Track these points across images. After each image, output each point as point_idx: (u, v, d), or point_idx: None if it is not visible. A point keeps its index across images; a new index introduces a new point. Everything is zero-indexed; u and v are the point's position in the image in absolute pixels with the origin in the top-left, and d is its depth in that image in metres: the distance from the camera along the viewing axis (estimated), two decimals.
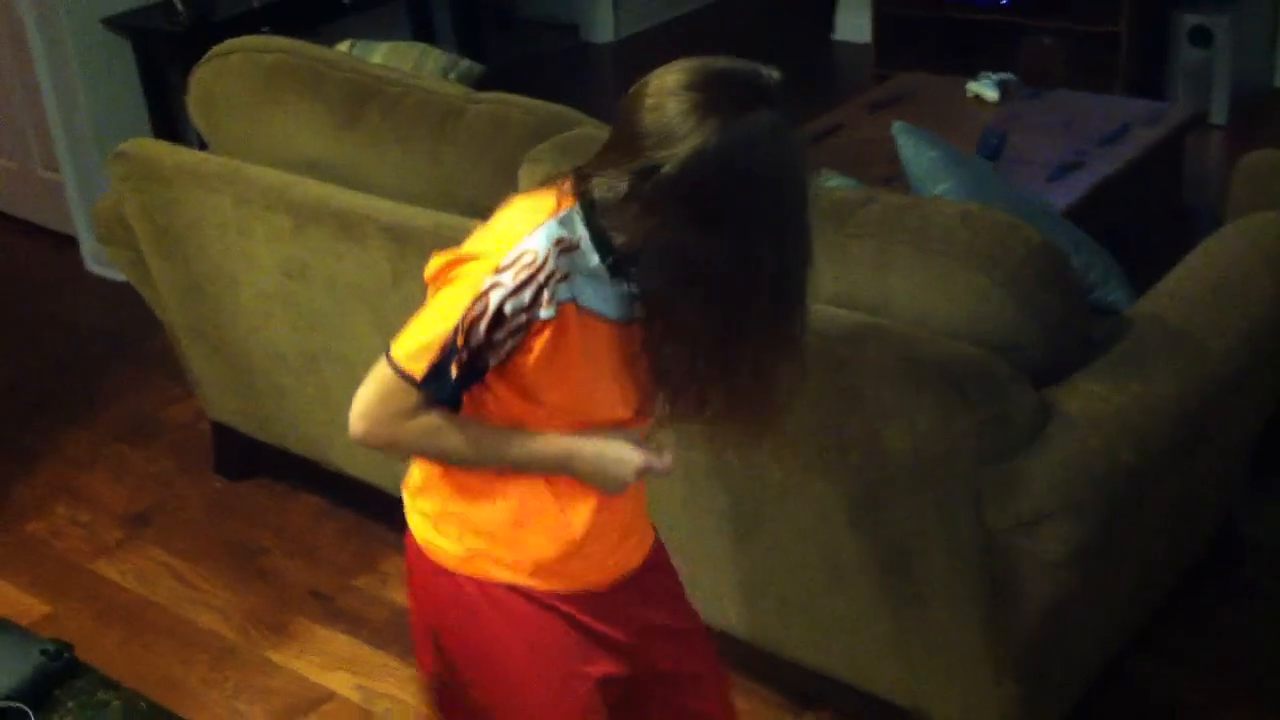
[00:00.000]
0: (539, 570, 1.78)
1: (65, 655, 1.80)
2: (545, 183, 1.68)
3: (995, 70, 4.19)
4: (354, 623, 2.92)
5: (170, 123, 4.27)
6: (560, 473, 1.74)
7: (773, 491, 2.27)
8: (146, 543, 3.23)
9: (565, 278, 1.60)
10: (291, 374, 2.99)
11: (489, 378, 1.67)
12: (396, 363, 1.64)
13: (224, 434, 3.37)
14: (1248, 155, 2.91)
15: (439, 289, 1.65)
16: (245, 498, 3.36)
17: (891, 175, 3.36)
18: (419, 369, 1.63)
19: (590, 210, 1.60)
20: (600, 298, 1.63)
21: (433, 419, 1.66)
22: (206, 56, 3.02)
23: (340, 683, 2.77)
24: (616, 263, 1.61)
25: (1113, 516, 2.05)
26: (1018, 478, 2.01)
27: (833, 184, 2.77)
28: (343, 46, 3.34)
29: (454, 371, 1.62)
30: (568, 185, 1.63)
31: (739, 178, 1.53)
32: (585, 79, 5.90)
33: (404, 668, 2.79)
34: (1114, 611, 2.41)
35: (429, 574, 1.81)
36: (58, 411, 3.78)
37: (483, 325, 1.59)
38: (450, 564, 1.78)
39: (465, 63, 3.47)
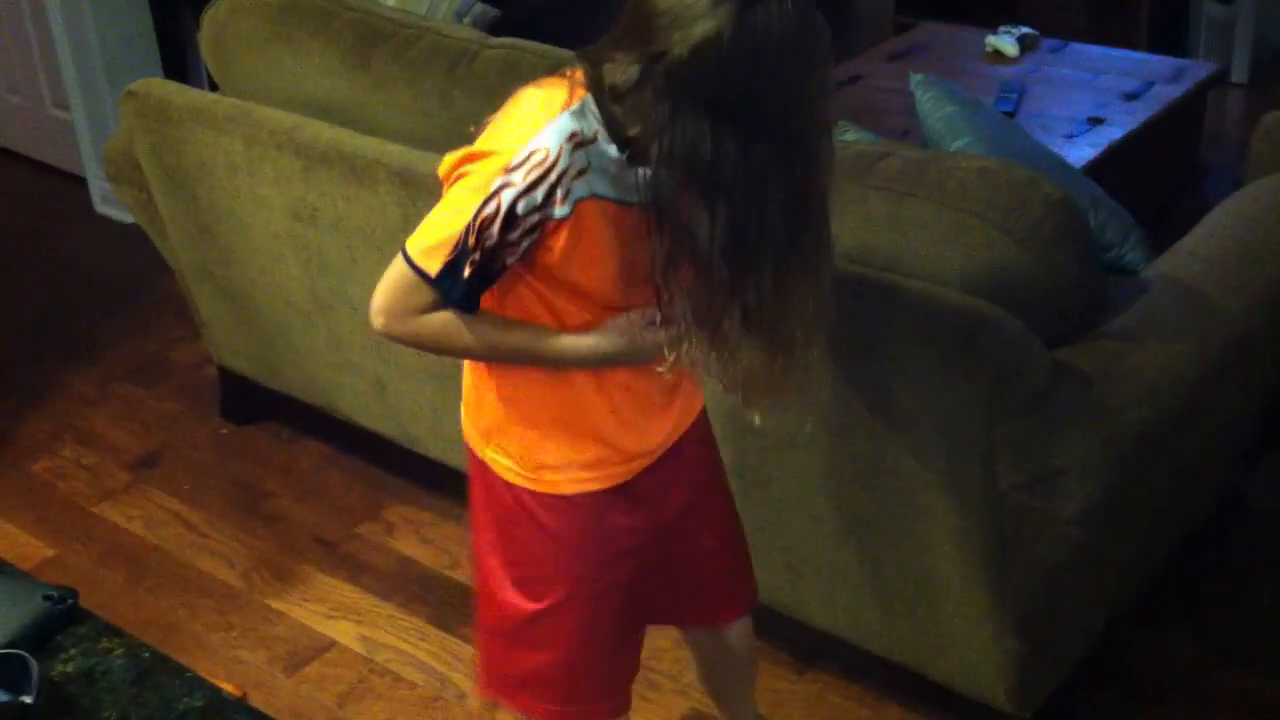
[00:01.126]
0: (590, 464, 1.78)
1: (69, 601, 1.78)
2: (555, 70, 1.63)
3: (1016, 22, 4.14)
4: (357, 571, 2.92)
5: (181, 62, 4.23)
6: (591, 357, 1.70)
7: (781, 444, 2.25)
8: (152, 486, 3.22)
9: (582, 173, 1.56)
10: (300, 318, 2.97)
11: (519, 275, 1.64)
12: (411, 258, 1.63)
13: (231, 378, 3.36)
14: (1268, 115, 2.87)
15: (451, 185, 1.63)
16: (252, 442, 3.35)
17: (909, 128, 3.33)
18: (433, 266, 1.62)
19: (602, 98, 1.55)
20: (620, 186, 1.58)
21: (450, 316, 1.65)
22: None
23: (343, 632, 2.76)
24: (633, 153, 1.56)
25: (1125, 476, 2.03)
26: (1030, 435, 1.99)
27: (849, 137, 2.73)
28: None
29: (466, 271, 1.60)
30: (579, 75, 1.58)
31: (756, 66, 1.45)
32: (600, 26, 5.84)
33: (406, 617, 2.79)
34: (1119, 572, 2.39)
35: (489, 484, 1.83)
36: (66, 350, 3.77)
37: (495, 226, 1.56)
38: (506, 477, 1.80)
39: (479, 6, 3.44)
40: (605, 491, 1.82)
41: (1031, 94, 3.73)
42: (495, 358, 1.74)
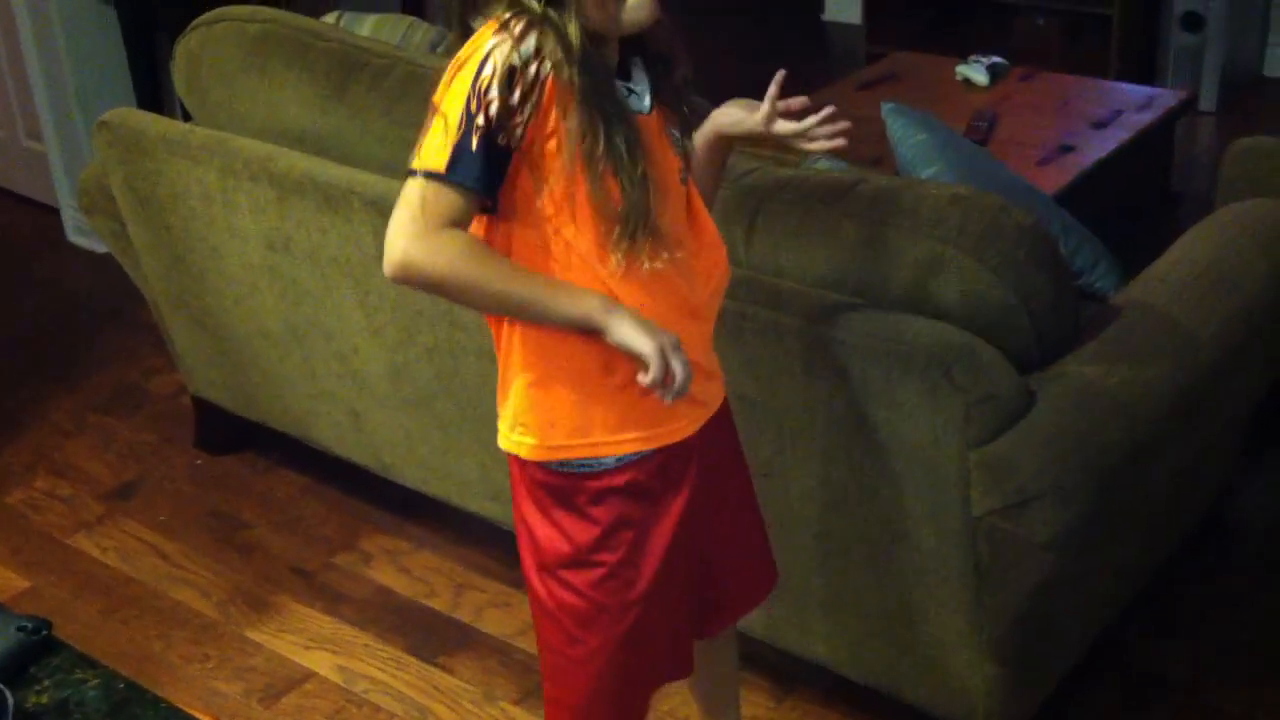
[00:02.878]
0: (634, 423, 1.75)
1: (43, 632, 1.78)
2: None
3: (986, 52, 4.18)
4: (335, 601, 2.90)
5: (155, 92, 4.23)
6: (598, 318, 1.65)
7: (758, 470, 2.25)
8: (127, 517, 3.21)
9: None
10: (275, 347, 2.96)
11: (526, 194, 1.63)
12: (418, 169, 1.59)
13: (206, 408, 3.35)
14: (1237, 141, 2.91)
15: (445, 91, 1.60)
16: (228, 472, 3.34)
17: (881, 156, 3.35)
18: (443, 160, 1.57)
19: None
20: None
21: (466, 236, 1.61)
22: (192, 25, 2.99)
23: (320, 662, 2.75)
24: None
25: (1101, 500, 2.04)
26: (1005, 460, 2.00)
27: (822, 165, 2.75)
28: (330, 18, 3.31)
29: (474, 143, 1.56)
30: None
31: None
32: None
33: (384, 647, 2.77)
34: (1100, 593, 2.40)
35: (531, 485, 1.79)
36: (41, 381, 3.75)
37: (495, 84, 1.55)
38: (559, 456, 1.75)
39: (452, 36, 3.44)
40: (656, 461, 1.78)
41: (1002, 122, 3.76)
42: (510, 303, 1.66)
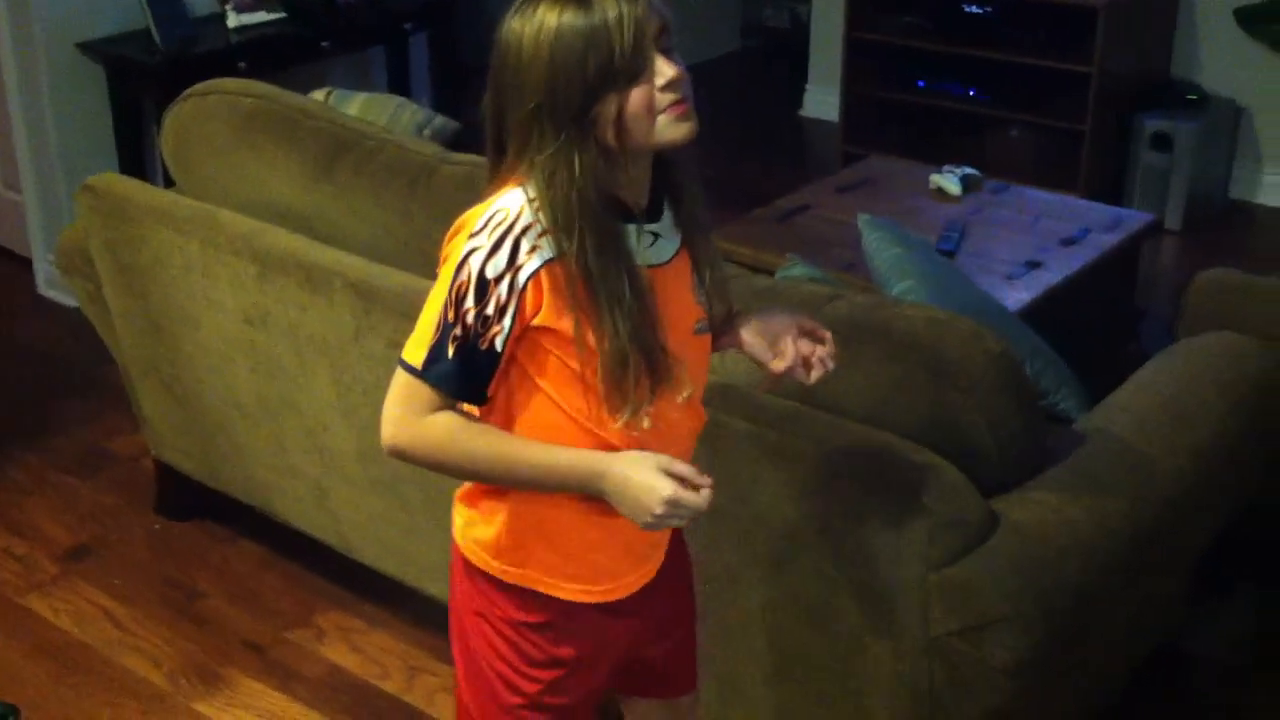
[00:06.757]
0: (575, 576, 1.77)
1: (9, 718, 1.77)
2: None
3: (959, 160, 4.25)
4: (286, 678, 2.89)
5: (138, 153, 4.25)
6: (585, 489, 1.66)
7: (721, 579, 2.27)
8: (82, 580, 3.18)
9: (545, 233, 1.57)
10: (245, 420, 2.97)
11: (521, 376, 1.64)
12: (404, 359, 1.62)
13: (168, 474, 3.34)
14: (1202, 273, 2.96)
15: (437, 274, 1.64)
16: (187, 539, 3.32)
17: (854, 261, 3.40)
18: (420, 357, 1.60)
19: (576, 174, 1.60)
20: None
21: (451, 419, 1.62)
22: (184, 95, 3.01)
23: None
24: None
25: (1059, 627, 2.07)
26: (966, 584, 2.03)
27: (797, 272, 2.79)
28: (319, 95, 3.35)
29: (450, 350, 1.58)
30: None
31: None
32: None
33: None
34: None
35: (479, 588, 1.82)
36: (2, 435, 3.72)
37: (470, 296, 1.56)
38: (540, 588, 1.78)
39: (440, 119, 3.48)
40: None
41: (972, 234, 3.81)
42: (502, 474, 1.68)
